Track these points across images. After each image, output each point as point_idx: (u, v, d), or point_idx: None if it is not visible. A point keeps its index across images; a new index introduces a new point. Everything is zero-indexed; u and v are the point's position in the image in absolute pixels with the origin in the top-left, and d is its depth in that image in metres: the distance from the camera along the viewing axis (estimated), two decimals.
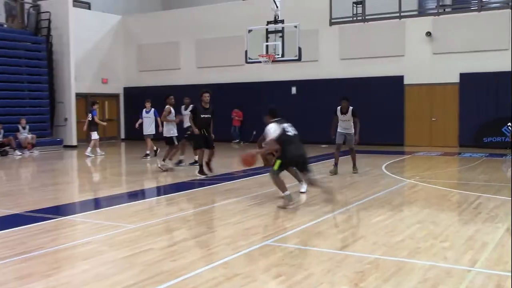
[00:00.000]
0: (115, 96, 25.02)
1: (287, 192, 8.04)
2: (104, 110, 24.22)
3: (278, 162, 8.05)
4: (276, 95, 21.57)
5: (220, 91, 21.15)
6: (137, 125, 16.41)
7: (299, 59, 16.25)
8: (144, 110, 16.20)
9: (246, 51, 16.80)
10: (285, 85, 21.40)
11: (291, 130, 8.17)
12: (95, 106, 17.68)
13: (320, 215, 7.50)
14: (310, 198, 8.90)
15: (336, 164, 12.06)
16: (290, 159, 8.08)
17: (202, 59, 23.23)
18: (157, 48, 24.36)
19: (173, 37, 23.87)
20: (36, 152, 18.63)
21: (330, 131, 12.18)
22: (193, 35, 23.40)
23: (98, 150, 17.59)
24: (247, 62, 17.51)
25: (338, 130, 12.02)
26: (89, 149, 17.21)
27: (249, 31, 16.59)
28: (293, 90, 21.35)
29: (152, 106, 16.25)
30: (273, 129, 7.99)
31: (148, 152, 16.13)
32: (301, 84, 21.15)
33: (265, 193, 9.55)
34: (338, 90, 18.92)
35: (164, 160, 12.92)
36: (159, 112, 15.87)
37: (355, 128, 11.97)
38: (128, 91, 25.05)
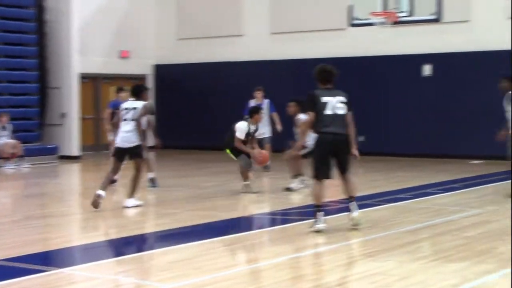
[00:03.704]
0: (141, 78, 25.54)
1: None
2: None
3: None
4: (396, 77, 21.30)
5: (306, 70, 21.11)
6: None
7: (438, 19, 16.03)
8: (252, 102, 17.38)
9: (350, 7, 16.73)
10: (412, 61, 21.15)
11: None
12: (123, 94, 17.64)
13: (470, 277, 7.31)
14: (451, 249, 8.71)
15: None
16: None
17: (279, 21, 23.32)
18: (207, 4, 24.70)
19: None
20: (25, 166, 19.26)
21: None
22: None
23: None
24: (351, 25, 17.47)
25: None
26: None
27: None
28: (426, 69, 21.04)
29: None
30: None
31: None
32: (441, 60, 20.81)
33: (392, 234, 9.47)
34: (502, 66, 18.48)
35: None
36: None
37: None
38: (161, 70, 25.54)
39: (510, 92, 12.83)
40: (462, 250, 8.68)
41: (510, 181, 12.88)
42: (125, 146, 12.10)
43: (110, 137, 17.83)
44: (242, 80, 23.05)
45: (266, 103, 17.45)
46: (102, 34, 24.10)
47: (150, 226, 11.33)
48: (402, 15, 16.06)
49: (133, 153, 12.15)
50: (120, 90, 17.38)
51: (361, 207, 10.85)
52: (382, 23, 16.27)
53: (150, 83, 25.54)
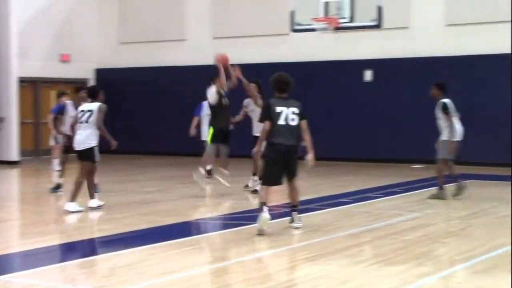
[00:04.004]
0: (82, 82, 25.34)
1: None
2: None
3: None
4: (338, 82, 21.53)
5: (249, 75, 21.23)
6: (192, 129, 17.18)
7: (379, 25, 16.27)
8: (206, 103, 17.02)
9: (292, 13, 16.91)
10: (354, 67, 21.40)
11: None
12: (64, 98, 17.43)
13: (409, 280, 7.51)
14: (391, 252, 8.91)
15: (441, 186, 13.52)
16: None
17: (222, 26, 23.39)
18: (149, 8, 24.67)
19: None
20: None
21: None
22: None
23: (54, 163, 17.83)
24: (293, 31, 17.62)
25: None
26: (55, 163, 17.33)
27: None
28: (367, 75, 21.30)
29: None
30: None
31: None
32: (382, 65, 21.10)
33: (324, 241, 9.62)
34: (441, 72, 18.88)
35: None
36: None
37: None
38: (103, 74, 25.39)
39: (441, 100, 13.32)
40: (401, 253, 8.87)
41: (510, 184, 14.12)
42: (79, 148, 12.29)
43: (51, 142, 17.74)
44: (185, 84, 23.06)
45: None
46: (42, 37, 23.86)
47: (93, 232, 11.28)
48: (344, 21, 16.26)
49: (84, 155, 12.28)
50: (61, 94, 17.23)
51: (304, 211, 11.08)
52: (324, 29, 16.45)
53: None
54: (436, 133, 13.58)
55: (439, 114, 13.31)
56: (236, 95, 14.58)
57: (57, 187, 14.55)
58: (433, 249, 9.16)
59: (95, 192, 13.23)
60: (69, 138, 14.14)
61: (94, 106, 12.34)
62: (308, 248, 9.24)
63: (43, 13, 23.84)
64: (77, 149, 12.36)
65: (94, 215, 12.31)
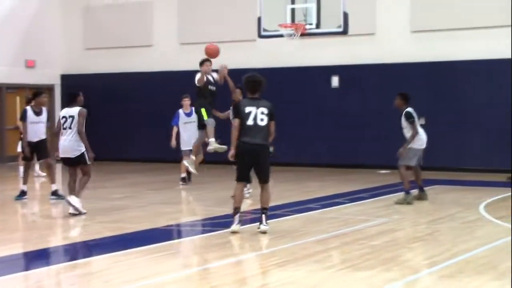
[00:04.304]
0: (48, 89, 25.23)
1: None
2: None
3: None
4: (306, 88, 21.62)
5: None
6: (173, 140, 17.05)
7: (345, 32, 16.33)
8: (181, 111, 17.07)
9: (259, 19, 16.91)
10: (321, 73, 21.50)
11: None
12: (33, 104, 17.25)
13: (376, 285, 7.55)
14: (358, 258, 8.96)
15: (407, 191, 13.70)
16: None
17: (188, 31, 23.38)
18: (115, 13, 24.58)
19: None
20: None
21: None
22: None
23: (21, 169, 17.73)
24: (260, 37, 17.61)
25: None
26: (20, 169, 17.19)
27: None
28: (334, 81, 21.41)
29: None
30: None
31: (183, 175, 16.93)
32: (349, 71, 21.22)
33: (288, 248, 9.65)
34: (411, 77, 19.02)
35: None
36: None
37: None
38: (68, 80, 25.23)
39: (405, 109, 13.53)
40: (369, 258, 8.93)
41: (510, 190, 14.69)
42: (68, 156, 12.36)
43: (19, 148, 17.59)
44: (151, 90, 23.04)
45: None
46: (6, 43, 23.72)
47: (59, 239, 11.18)
48: (310, 27, 16.32)
49: (78, 161, 12.40)
50: (30, 100, 17.09)
51: (271, 217, 11.10)
52: (290, 35, 16.48)
53: (57, 93, 25.28)
54: (402, 138, 13.70)
55: (404, 123, 13.46)
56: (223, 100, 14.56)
57: (22, 194, 14.44)
58: (400, 254, 9.23)
59: (61, 199, 13.21)
60: (31, 146, 14.12)
61: (75, 111, 12.32)
62: (277, 254, 9.27)
63: (7, 19, 23.68)
64: (66, 156, 12.40)
65: (61, 222, 12.24)
